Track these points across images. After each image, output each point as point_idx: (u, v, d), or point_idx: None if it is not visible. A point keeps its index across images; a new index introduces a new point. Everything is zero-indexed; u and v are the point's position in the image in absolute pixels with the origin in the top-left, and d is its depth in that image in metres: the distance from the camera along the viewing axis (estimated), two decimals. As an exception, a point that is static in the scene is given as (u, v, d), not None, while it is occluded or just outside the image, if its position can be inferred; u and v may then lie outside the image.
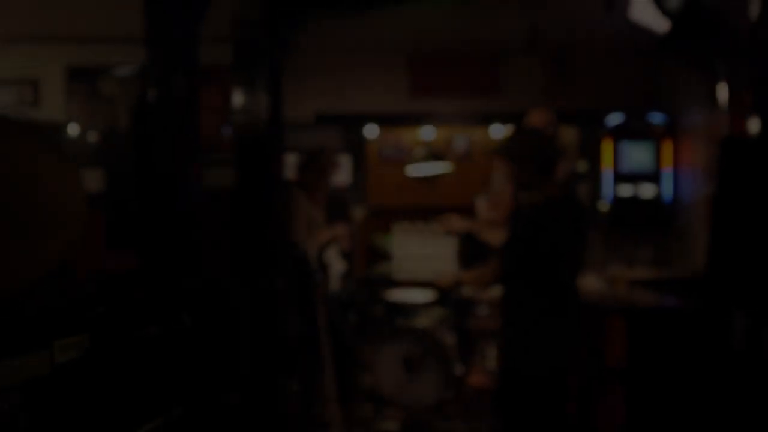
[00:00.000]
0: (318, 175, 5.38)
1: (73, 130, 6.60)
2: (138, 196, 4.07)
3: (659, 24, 4.53)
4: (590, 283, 5.08)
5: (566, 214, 3.37)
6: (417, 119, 7.45)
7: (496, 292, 4.36)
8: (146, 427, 1.35)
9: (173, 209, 3.85)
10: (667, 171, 7.05)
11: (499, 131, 8.02)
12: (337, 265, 5.43)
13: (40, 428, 1.14)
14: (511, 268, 3.37)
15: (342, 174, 5.75)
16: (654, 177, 7.06)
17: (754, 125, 3.47)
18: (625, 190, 7.06)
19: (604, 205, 7.07)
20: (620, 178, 7.08)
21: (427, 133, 8.30)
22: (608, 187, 7.06)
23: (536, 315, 3.37)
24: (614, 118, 7.08)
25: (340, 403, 5.25)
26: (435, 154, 7.43)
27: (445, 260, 4.11)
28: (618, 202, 7.05)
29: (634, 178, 7.08)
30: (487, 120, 7.53)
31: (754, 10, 3.58)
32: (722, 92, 5.10)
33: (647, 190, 7.05)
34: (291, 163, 6.33)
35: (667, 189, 7.05)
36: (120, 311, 1.37)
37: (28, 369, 1.08)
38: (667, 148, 7.05)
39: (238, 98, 4.23)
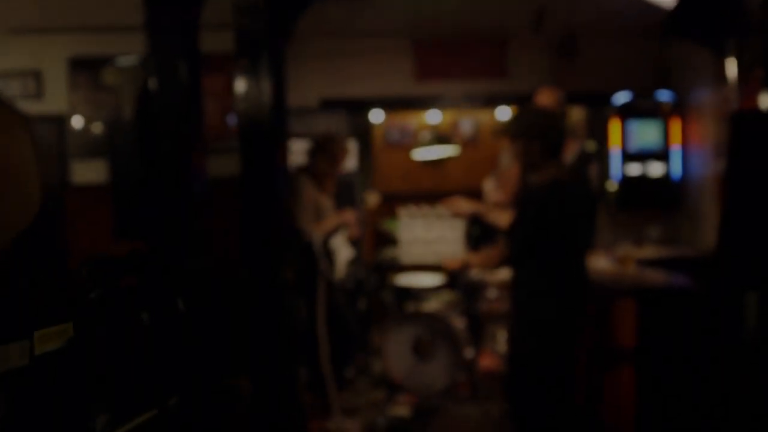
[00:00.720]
0: (328, 162, 5.34)
1: (76, 121, 6.59)
2: (143, 187, 4.06)
3: (667, 1, 4.47)
4: (599, 263, 5.06)
5: (574, 195, 3.34)
6: (422, 103, 7.40)
7: (505, 274, 4.35)
8: (137, 420, 1.32)
9: (178, 198, 3.83)
10: (675, 149, 7.00)
11: (505, 114, 7.97)
12: (344, 251, 5.39)
13: (19, 422, 1.10)
14: (518, 249, 3.34)
15: (349, 159, 5.71)
16: (662, 155, 7.02)
17: (765, 100, 3.43)
18: (634, 170, 7.02)
19: (612, 185, 7.02)
20: (628, 157, 7.04)
21: (433, 116, 8.24)
22: (616, 167, 7.01)
23: (540, 296, 3.35)
24: (622, 98, 7.01)
25: (346, 390, 5.25)
26: (441, 137, 7.39)
27: (452, 243, 4.08)
28: (626, 181, 7.01)
29: (642, 157, 7.03)
30: (493, 102, 7.48)
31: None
32: (731, 69, 5.05)
33: (656, 169, 7.00)
34: (297, 149, 6.32)
35: (676, 167, 7.01)
36: (110, 298, 1.33)
37: (6, 360, 1.05)
38: (676, 127, 7.00)
39: (240, 85, 4.20)
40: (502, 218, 3.83)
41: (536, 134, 3.29)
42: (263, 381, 4.23)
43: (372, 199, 5.65)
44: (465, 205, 4.01)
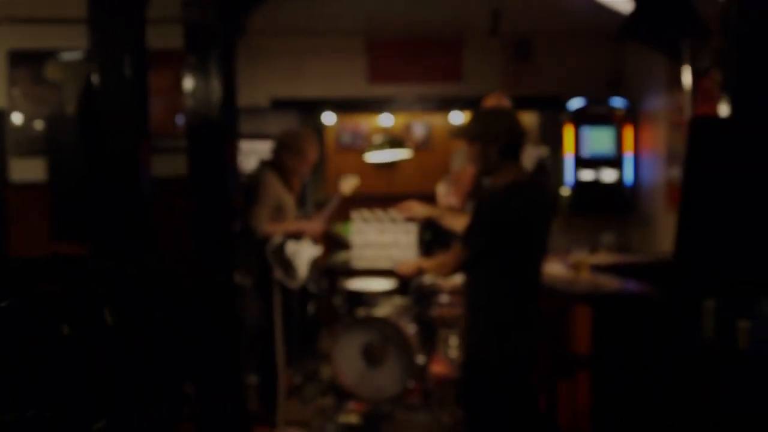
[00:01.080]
0: (296, 159, 5.08)
1: (16, 117, 6.35)
2: (84, 185, 3.89)
3: (624, 5, 4.44)
4: (553, 268, 5.01)
5: (532, 198, 3.25)
6: (375, 105, 7.30)
7: (457, 279, 4.27)
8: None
9: (121, 198, 3.67)
10: (628, 156, 7.02)
11: (459, 118, 7.91)
12: (308, 250, 5.17)
13: None
14: (475, 253, 3.24)
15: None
16: (615, 162, 7.03)
17: (723, 107, 3.40)
18: (587, 176, 7.02)
19: (565, 190, 7.01)
20: (581, 163, 7.03)
21: (386, 119, 8.15)
22: (570, 173, 7.00)
23: (497, 302, 3.25)
24: (575, 103, 7.01)
25: (294, 396, 5.12)
26: (394, 140, 7.28)
27: (405, 248, 3.98)
28: (579, 187, 7.00)
29: (595, 163, 7.03)
30: (447, 106, 7.42)
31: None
32: (685, 75, 5.04)
33: (608, 175, 7.01)
34: (248, 150, 6.17)
35: (628, 174, 7.03)
36: (23, 308, 1.19)
37: None
38: (628, 133, 7.01)
39: (188, 82, 4.06)
40: (457, 222, 3.75)
41: (495, 136, 3.20)
42: (208, 386, 4.09)
43: (349, 183, 5.39)
44: (419, 209, 3.91)
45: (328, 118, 7.94)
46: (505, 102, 4.36)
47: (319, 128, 8.07)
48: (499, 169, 3.24)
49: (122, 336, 1.31)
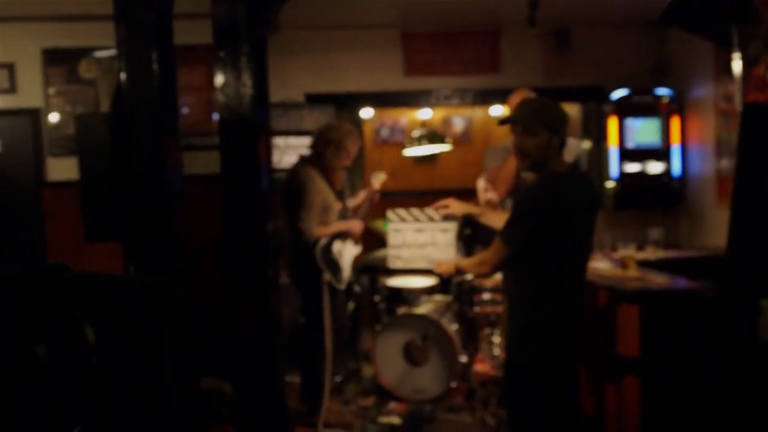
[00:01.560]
0: (338, 155, 4.90)
1: (52, 116, 6.35)
2: (114, 184, 3.82)
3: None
4: (599, 265, 4.84)
5: (573, 191, 3.08)
6: (412, 98, 7.14)
7: (499, 276, 4.11)
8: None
9: (148, 196, 3.60)
10: (675, 147, 6.80)
11: (499, 110, 7.75)
12: (350, 250, 5.04)
13: None
14: (513, 249, 3.08)
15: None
16: (662, 154, 6.82)
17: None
18: (632, 168, 6.80)
19: (610, 184, 6.81)
20: (626, 155, 6.83)
21: (425, 112, 8.01)
22: (614, 166, 6.80)
23: (538, 299, 3.09)
24: (618, 94, 6.80)
25: (335, 397, 5.01)
26: (433, 134, 7.13)
27: (443, 247, 3.83)
28: (625, 180, 6.79)
29: (640, 155, 6.83)
30: (486, 98, 7.24)
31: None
32: (735, 63, 4.82)
33: (655, 168, 6.80)
34: (283, 145, 6.08)
35: (676, 166, 6.80)
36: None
37: None
38: (675, 123, 6.78)
39: (219, 78, 3.95)
40: (496, 219, 3.60)
41: (560, 125, 3.05)
42: (246, 386, 4.01)
43: (379, 178, 5.24)
44: (457, 207, 3.76)
45: (366, 112, 7.83)
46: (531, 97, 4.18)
47: (357, 123, 7.96)
48: (551, 162, 3.09)
49: (105, 358, 1.19)
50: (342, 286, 4.98)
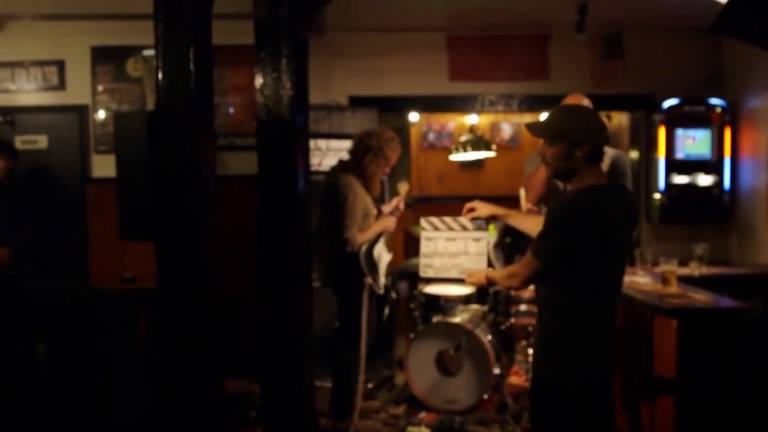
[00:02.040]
0: (378, 161, 4.83)
1: (99, 113, 6.43)
2: (152, 184, 3.83)
3: (720, -3, 4.11)
4: (640, 278, 4.71)
5: (609, 204, 2.96)
6: (457, 103, 7.04)
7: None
8: None
9: (180, 196, 3.60)
10: (726, 159, 6.60)
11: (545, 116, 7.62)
12: (385, 256, 5.00)
13: None
14: (545, 263, 2.98)
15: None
16: (712, 166, 6.63)
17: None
18: (681, 180, 6.63)
19: (657, 196, 6.64)
20: (675, 167, 6.66)
21: (472, 118, 7.92)
22: (662, 177, 6.63)
23: (570, 315, 2.97)
24: (669, 103, 6.63)
25: (365, 403, 4.97)
26: (479, 140, 7.04)
27: (475, 256, 3.75)
28: (673, 192, 6.62)
29: (690, 167, 6.65)
30: (534, 105, 7.12)
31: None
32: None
33: (705, 180, 6.61)
34: (326, 148, 6.06)
35: (726, 179, 6.60)
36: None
37: None
38: (727, 135, 6.59)
39: (259, 79, 3.94)
40: (526, 222, 3.49)
41: (585, 137, 2.91)
42: (274, 390, 3.99)
43: (404, 187, 5.18)
44: (483, 209, 3.67)
45: (412, 116, 7.77)
46: (586, 103, 4.05)
47: (403, 127, 7.91)
48: (581, 173, 2.97)
49: (62, 370, 1.15)
50: (381, 291, 4.94)
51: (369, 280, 4.77)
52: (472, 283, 3.58)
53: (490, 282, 3.41)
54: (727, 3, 4.01)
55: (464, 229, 3.80)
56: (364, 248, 4.78)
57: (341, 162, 5.03)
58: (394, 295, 6.06)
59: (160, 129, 3.64)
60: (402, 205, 5.15)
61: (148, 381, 3.36)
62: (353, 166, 4.89)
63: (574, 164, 2.95)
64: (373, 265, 4.84)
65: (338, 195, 4.75)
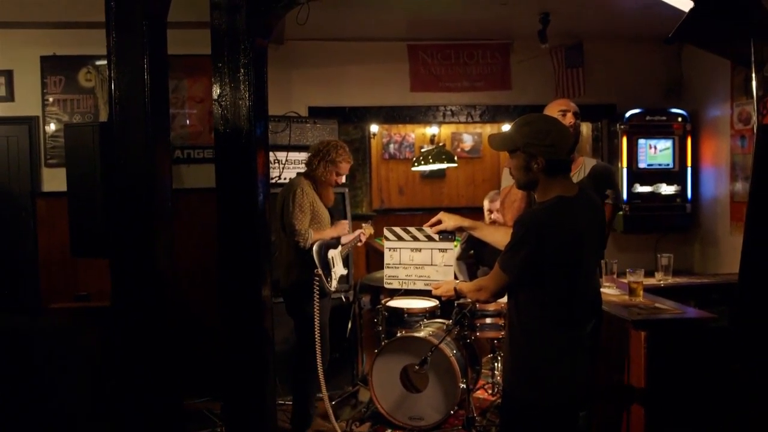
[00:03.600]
0: (326, 168, 4.96)
1: (49, 125, 6.24)
2: (102, 197, 3.68)
3: (683, 4, 4.07)
4: (606, 291, 4.66)
5: (580, 215, 2.88)
6: (419, 114, 6.98)
7: (503, 300, 3.92)
8: None
9: (135, 210, 3.46)
10: (688, 169, 6.62)
11: (508, 127, 7.60)
12: (339, 266, 5.02)
13: None
14: (512, 276, 2.88)
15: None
16: (674, 175, 6.66)
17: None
18: (644, 190, 6.64)
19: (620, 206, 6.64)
20: (638, 176, 6.67)
21: (433, 129, 7.87)
22: (625, 187, 6.63)
23: (539, 331, 2.88)
24: (631, 113, 6.63)
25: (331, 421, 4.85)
26: (441, 151, 6.98)
27: (442, 268, 3.65)
28: (636, 202, 6.62)
29: (653, 176, 6.67)
30: (496, 115, 7.08)
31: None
32: (754, 82, 4.64)
33: (667, 190, 6.63)
34: (284, 159, 5.94)
35: (689, 188, 6.62)
36: None
37: None
38: (689, 145, 6.62)
39: (216, 90, 3.82)
40: (493, 234, 3.40)
41: (542, 148, 2.82)
42: (236, 407, 3.85)
43: (369, 230, 5.28)
44: (448, 220, 3.58)
45: (373, 127, 7.69)
46: (573, 108, 3.96)
47: (364, 138, 7.83)
48: (544, 185, 2.88)
49: None
50: (332, 287, 4.92)
51: (318, 271, 4.76)
52: (440, 295, 3.48)
53: (459, 294, 3.32)
54: (690, 11, 3.98)
55: (430, 239, 3.71)
56: (316, 245, 4.80)
57: (298, 173, 5.22)
58: (356, 308, 5.95)
59: (114, 141, 3.50)
60: (363, 239, 5.29)
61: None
62: (307, 173, 5.06)
63: (534, 176, 2.88)
64: (325, 264, 4.86)
65: (288, 192, 4.88)
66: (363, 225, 5.35)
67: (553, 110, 3.91)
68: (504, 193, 4.17)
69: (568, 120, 3.82)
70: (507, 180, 4.41)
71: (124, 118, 3.49)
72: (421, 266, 3.72)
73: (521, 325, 2.95)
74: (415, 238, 3.74)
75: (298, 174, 5.15)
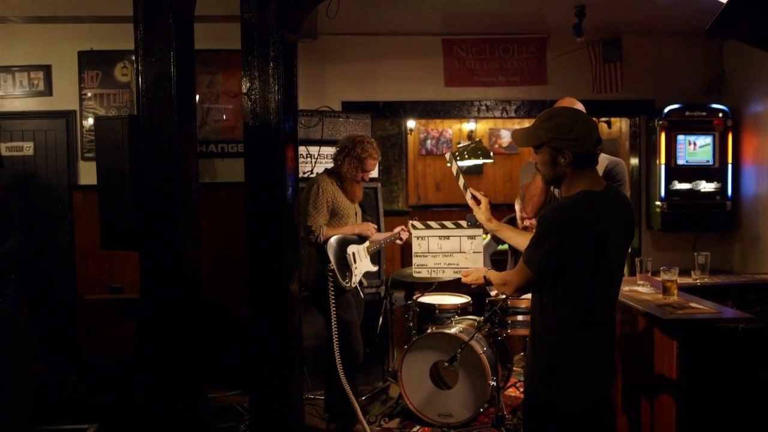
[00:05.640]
0: (351, 164, 4.91)
1: (86, 119, 6.30)
2: (133, 192, 3.70)
3: (721, -3, 3.96)
4: (639, 288, 4.56)
5: (606, 211, 2.80)
6: (453, 109, 6.92)
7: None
8: None
9: (161, 203, 3.47)
10: (729, 166, 6.47)
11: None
12: (364, 262, 4.97)
13: None
14: (536, 272, 2.82)
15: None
16: (714, 173, 6.50)
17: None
18: (682, 187, 6.50)
19: (657, 204, 6.51)
20: (677, 173, 6.53)
21: (470, 124, 7.81)
22: (663, 184, 6.50)
23: (561, 329, 2.81)
24: (670, 109, 6.50)
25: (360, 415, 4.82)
26: (477, 147, 6.92)
27: (471, 255, 3.60)
28: (674, 199, 6.49)
29: (692, 173, 6.53)
30: (530, 111, 7.00)
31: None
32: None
33: (706, 187, 6.48)
34: (317, 154, 5.93)
35: (729, 186, 6.47)
36: None
37: None
38: (729, 141, 6.46)
39: (246, 84, 3.81)
40: (519, 238, 3.35)
41: (564, 144, 2.76)
42: (262, 402, 3.85)
43: (405, 234, 5.17)
44: (480, 213, 3.54)
45: (410, 123, 7.65)
46: (578, 107, 3.90)
47: (400, 133, 7.79)
48: (571, 179, 2.82)
49: None
50: (348, 285, 4.87)
51: (332, 266, 4.72)
52: (469, 282, 3.44)
53: (488, 282, 3.29)
54: (727, 2, 3.86)
55: (458, 226, 3.66)
56: (333, 239, 4.80)
57: (325, 169, 5.16)
58: (388, 304, 5.93)
59: (141, 135, 3.52)
60: (404, 237, 5.15)
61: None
62: (332, 170, 5.04)
63: (561, 171, 2.82)
64: (342, 259, 4.83)
65: (307, 189, 4.87)
66: (410, 222, 5.28)
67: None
68: (523, 188, 4.13)
69: None
70: (525, 175, 4.36)
71: (150, 112, 3.50)
72: (449, 254, 3.68)
73: (543, 323, 2.91)
74: (443, 226, 3.71)
75: (325, 170, 5.11)
